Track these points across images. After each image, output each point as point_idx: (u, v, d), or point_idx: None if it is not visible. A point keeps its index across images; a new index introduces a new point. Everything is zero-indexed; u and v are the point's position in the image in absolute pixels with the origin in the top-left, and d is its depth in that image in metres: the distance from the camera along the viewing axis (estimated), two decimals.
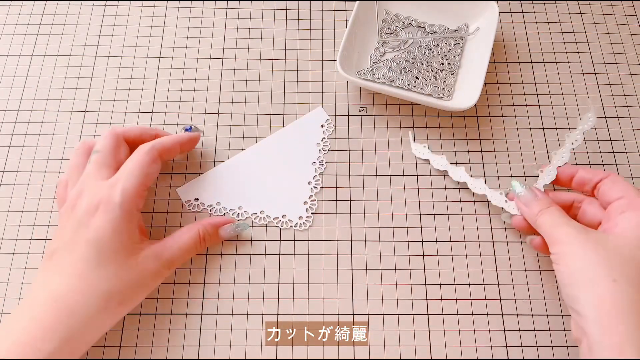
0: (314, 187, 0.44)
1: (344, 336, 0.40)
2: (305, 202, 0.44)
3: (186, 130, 0.43)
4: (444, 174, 0.47)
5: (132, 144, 0.41)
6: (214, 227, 0.40)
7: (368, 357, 0.40)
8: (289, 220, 0.43)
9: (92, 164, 0.38)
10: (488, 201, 0.45)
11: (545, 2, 0.56)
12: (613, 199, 0.37)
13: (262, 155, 0.45)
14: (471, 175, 0.46)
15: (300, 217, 0.43)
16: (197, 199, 0.44)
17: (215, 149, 0.47)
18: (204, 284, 0.42)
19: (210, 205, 0.43)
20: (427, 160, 0.47)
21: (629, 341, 0.30)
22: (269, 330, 0.41)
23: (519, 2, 0.56)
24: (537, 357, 0.40)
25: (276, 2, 0.55)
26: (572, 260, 0.34)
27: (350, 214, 0.45)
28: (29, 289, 0.35)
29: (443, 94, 0.48)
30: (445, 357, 0.40)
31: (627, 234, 0.34)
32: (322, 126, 0.47)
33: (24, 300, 0.34)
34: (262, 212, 0.43)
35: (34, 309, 0.33)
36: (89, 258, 0.34)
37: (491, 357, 0.40)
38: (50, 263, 0.35)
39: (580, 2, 0.56)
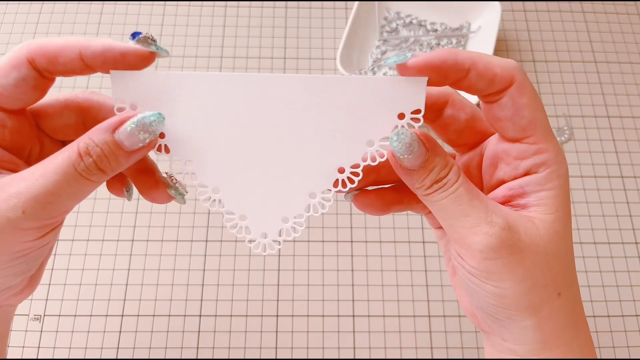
0: (316, 205, 0.25)
1: (344, 337, 0.40)
2: (285, 219, 0.25)
3: (132, 37, 0.23)
4: None
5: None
6: (107, 132, 0.22)
7: (369, 358, 0.40)
8: (246, 227, 0.25)
9: None
10: None
11: (547, 1, 0.55)
12: (514, 134, 0.23)
13: (278, 102, 0.24)
14: None
15: (264, 235, 0.25)
16: (134, 107, 0.23)
17: None
18: (203, 285, 0.42)
19: None
20: None
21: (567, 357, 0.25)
22: (267, 331, 0.40)
23: (521, 1, 0.55)
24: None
25: (276, 1, 0.54)
26: (509, 278, 0.23)
27: (351, 214, 0.44)
28: None
29: None
30: (445, 358, 0.40)
31: (553, 216, 0.23)
32: (402, 117, 0.23)
33: None
34: (216, 190, 0.25)
35: None
36: None
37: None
38: None
39: (582, 1, 0.55)
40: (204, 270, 0.42)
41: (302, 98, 0.24)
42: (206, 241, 0.43)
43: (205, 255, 0.43)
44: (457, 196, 0.23)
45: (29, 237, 0.23)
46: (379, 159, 0.23)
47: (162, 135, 0.24)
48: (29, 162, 0.25)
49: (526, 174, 0.23)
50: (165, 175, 0.25)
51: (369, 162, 0.23)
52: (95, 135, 0.22)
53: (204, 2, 0.54)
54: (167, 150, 0.24)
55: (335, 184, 0.24)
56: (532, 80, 0.51)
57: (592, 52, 0.53)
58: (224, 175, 0.24)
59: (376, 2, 0.51)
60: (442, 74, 0.21)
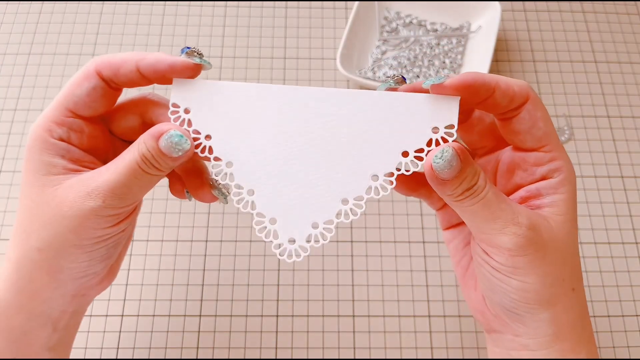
0: (348, 211, 0.26)
1: (344, 337, 0.40)
2: (315, 225, 0.26)
3: (182, 51, 0.27)
4: None
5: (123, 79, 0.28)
6: (154, 139, 0.26)
7: (369, 358, 0.39)
8: (274, 231, 0.26)
9: None
10: None
11: (547, 1, 0.55)
12: (531, 144, 0.26)
13: (319, 113, 0.25)
14: None
15: (291, 240, 0.26)
16: (187, 111, 0.26)
17: None
18: (203, 285, 0.42)
19: (197, 133, 0.26)
20: None
21: (575, 349, 0.27)
22: (267, 332, 0.40)
23: (522, 1, 0.55)
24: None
25: (276, 1, 0.54)
26: (532, 274, 0.25)
27: None
28: None
29: None
30: (445, 358, 0.40)
31: (566, 215, 0.26)
32: (436, 131, 0.25)
33: None
34: (251, 192, 0.26)
35: None
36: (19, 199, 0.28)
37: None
38: None
39: (582, 1, 0.55)
40: (204, 270, 0.42)
41: (341, 110, 0.25)
42: (206, 241, 0.43)
43: (205, 255, 0.43)
44: (486, 201, 0.24)
45: (108, 223, 0.27)
46: (413, 169, 0.25)
47: (208, 137, 0.26)
48: (106, 163, 0.28)
49: (542, 179, 0.26)
50: (211, 177, 0.28)
51: (403, 171, 0.25)
52: (147, 141, 0.26)
53: (203, 2, 0.54)
54: (210, 151, 0.26)
55: (368, 191, 0.25)
56: (533, 80, 0.51)
57: (592, 52, 0.52)
58: (260, 178, 0.26)
59: (376, 2, 0.51)
60: (474, 91, 0.24)
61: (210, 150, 0.26)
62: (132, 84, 0.27)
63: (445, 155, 0.23)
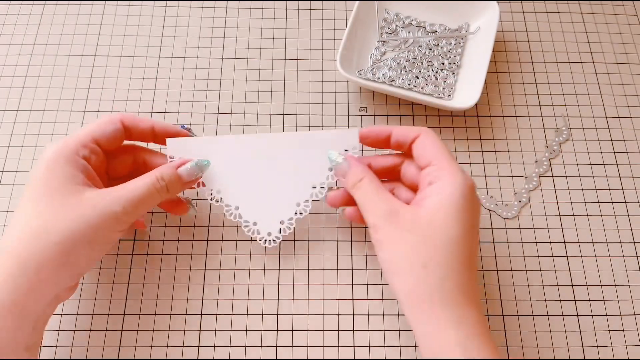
0: (301, 211, 0.40)
1: (344, 336, 0.40)
2: (282, 222, 0.40)
3: (182, 127, 0.40)
4: None
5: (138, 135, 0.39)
6: (172, 169, 0.37)
7: (369, 357, 0.40)
8: (257, 230, 0.40)
9: None
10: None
11: (546, 1, 0.56)
12: (424, 164, 0.35)
13: (270, 150, 0.40)
14: (471, 176, 0.46)
15: (269, 234, 0.40)
16: (181, 160, 0.39)
17: None
18: (204, 284, 0.42)
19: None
20: None
21: (440, 330, 0.31)
22: (268, 330, 0.41)
23: (520, 1, 0.56)
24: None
25: (276, 2, 0.55)
26: (388, 248, 0.33)
27: None
28: None
29: (443, 94, 0.48)
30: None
31: (436, 209, 0.33)
32: (347, 151, 0.39)
33: None
34: (237, 207, 0.39)
35: None
36: (25, 195, 0.33)
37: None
38: None
39: (581, 2, 0.56)
40: (204, 269, 0.42)
41: (291, 145, 0.40)
42: (207, 240, 0.43)
43: (206, 254, 0.43)
44: (364, 192, 0.36)
45: (123, 227, 0.35)
46: (333, 176, 0.39)
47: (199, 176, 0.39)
48: (100, 187, 0.36)
49: (429, 184, 0.34)
50: (185, 198, 0.42)
51: (330, 179, 0.39)
52: (165, 170, 0.36)
53: (204, 2, 0.54)
54: (203, 185, 0.39)
55: (311, 196, 0.40)
56: (531, 81, 0.51)
57: (590, 52, 0.53)
58: (241, 198, 0.40)
59: (376, 2, 0.52)
60: (376, 135, 0.38)
61: (203, 184, 0.39)
62: (143, 137, 0.39)
63: (333, 158, 0.39)
